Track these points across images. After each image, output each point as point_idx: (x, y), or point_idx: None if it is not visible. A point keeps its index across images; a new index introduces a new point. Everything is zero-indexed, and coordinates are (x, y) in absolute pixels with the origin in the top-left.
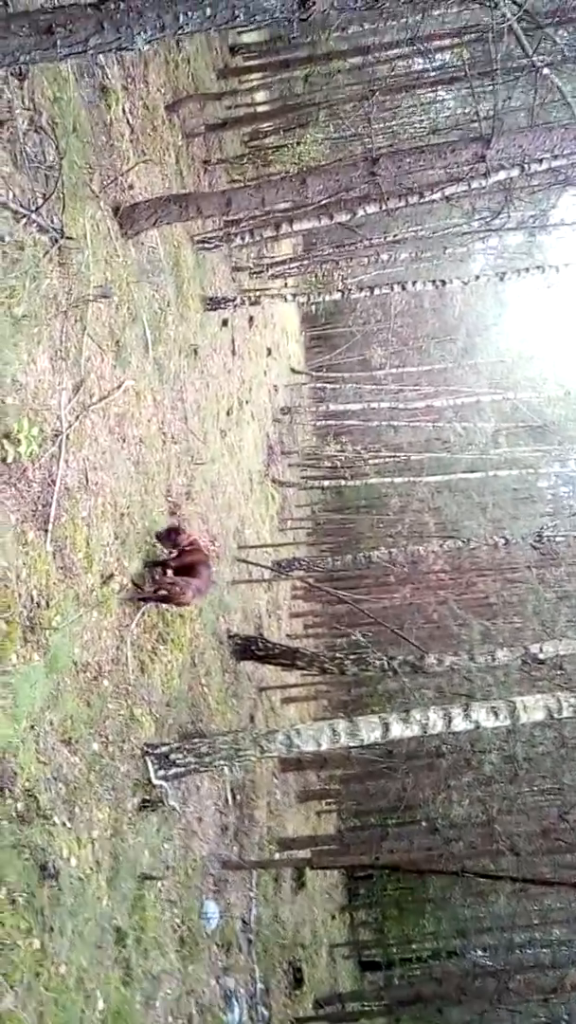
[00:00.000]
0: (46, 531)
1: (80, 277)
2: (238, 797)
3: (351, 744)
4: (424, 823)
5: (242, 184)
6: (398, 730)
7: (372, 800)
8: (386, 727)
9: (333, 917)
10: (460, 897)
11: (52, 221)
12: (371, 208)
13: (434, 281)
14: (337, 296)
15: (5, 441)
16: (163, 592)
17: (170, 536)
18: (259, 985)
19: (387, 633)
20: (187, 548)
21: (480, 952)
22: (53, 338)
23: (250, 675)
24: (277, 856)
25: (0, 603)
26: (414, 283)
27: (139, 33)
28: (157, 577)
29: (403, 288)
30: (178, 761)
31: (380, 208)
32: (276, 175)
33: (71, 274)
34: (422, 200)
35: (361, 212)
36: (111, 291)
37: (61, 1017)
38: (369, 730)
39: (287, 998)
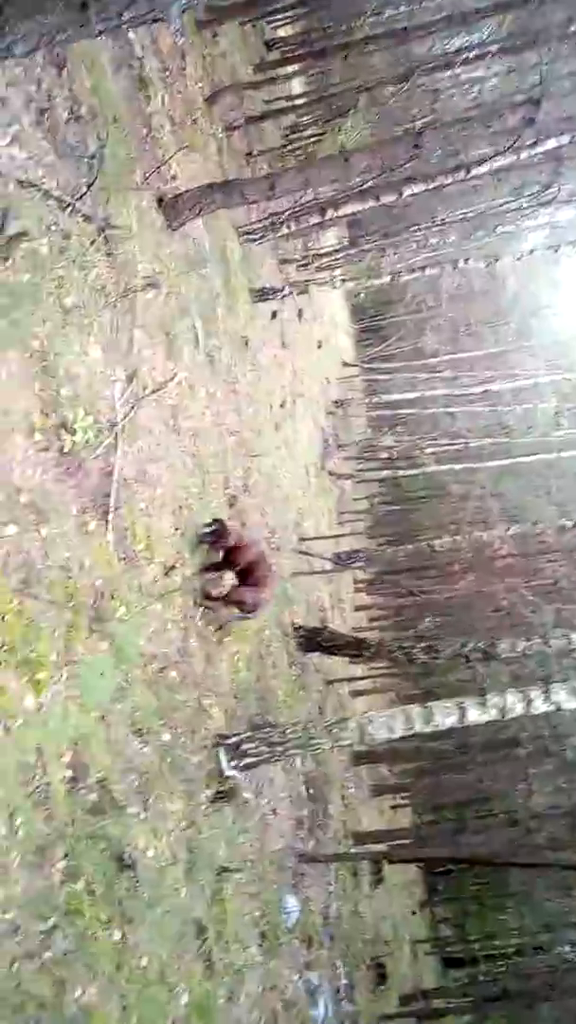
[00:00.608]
0: (106, 522)
1: (128, 268)
2: (312, 790)
3: (426, 730)
4: (503, 815)
5: (285, 169)
6: (475, 714)
7: (447, 793)
8: (462, 711)
9: (413, 913)
10: (544, 891)
11: (97, 210)
12: (417, 187)
13: (486, 257)
14: (387, 280)
15: (62, 431)
16: (233, 606)
17: (216, 539)
18: (343, 981)
19: (455, 623)
20: (239, 547)
21: (568, 947)
22: (104, 329)
23: (317, 667)
24: (353, 850)
25: (64, 593)
26: (466, 260)
27: (173, 2)
28: (226, 591)
29: (455, 267)
30: (250, 751)
31: (426, 186)
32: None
33: (119, 264)
34: (469, 176)
35: (408, 192)
36: (159, 282)
37: (146, 1010)
38: (444, 715)
39: (371, 994)
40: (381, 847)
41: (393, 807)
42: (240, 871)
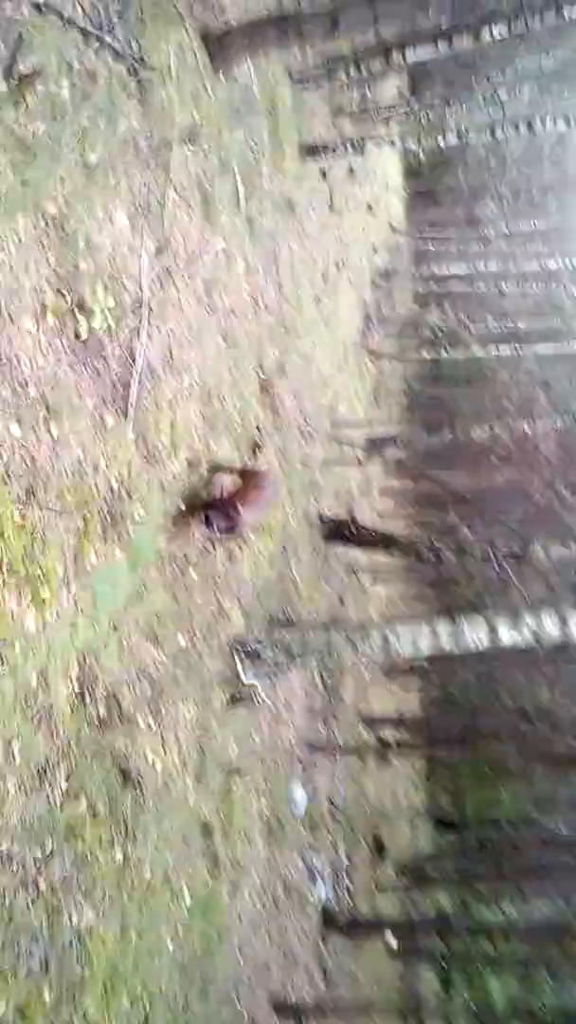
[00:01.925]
0: (127, 415)
1: (164, 117)
2: (327, 679)
3: (454, 649)
4: (511, 704)
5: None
6: (507, 636)
7: (460, 679)
8: (493, 632)
9: (416, 787)
10: (542, 775)
11: (130, 46)
12: (499, 30)
13: (566, 117)
14: (451, 141)
15: (79, 312)
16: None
17: (223, 511)
18: (343, 859)
19: (484, 515)
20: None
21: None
22: (133, 191)
23: (339, 556)
24: (364, 734)
25: (77, 499)
26: (542, 120)
27: None
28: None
29: (529, 128)
30: (268, 659)
31: (509, 29)
32: None
33: (153, 113)
34: (560, 14)
35: (487, 36)
36: (200, 134)
37: (147, 920)
38: (474, 634)
39: (369, 869)
40: (391, 732)
41: (405, 688)
42: (250, 769)
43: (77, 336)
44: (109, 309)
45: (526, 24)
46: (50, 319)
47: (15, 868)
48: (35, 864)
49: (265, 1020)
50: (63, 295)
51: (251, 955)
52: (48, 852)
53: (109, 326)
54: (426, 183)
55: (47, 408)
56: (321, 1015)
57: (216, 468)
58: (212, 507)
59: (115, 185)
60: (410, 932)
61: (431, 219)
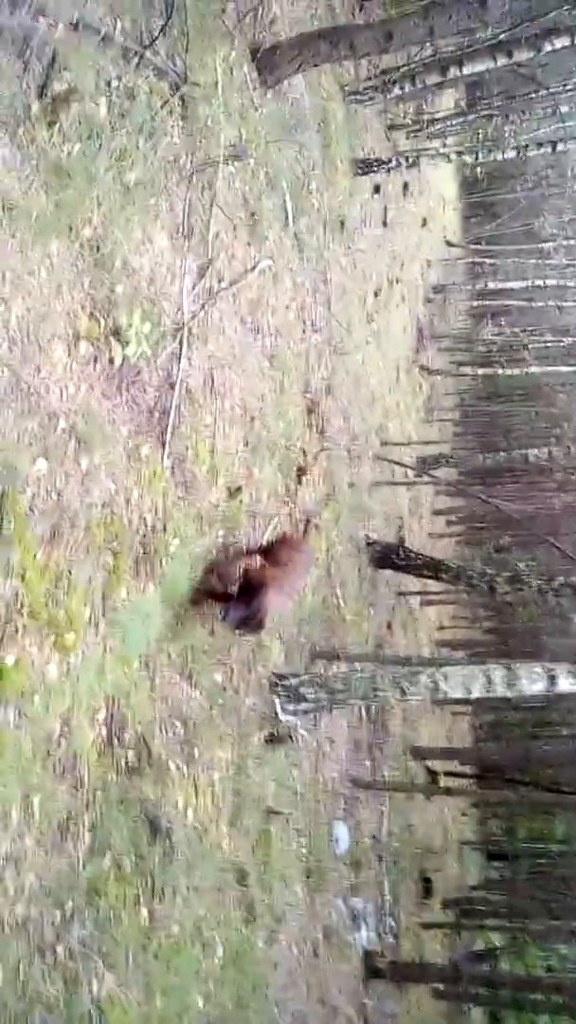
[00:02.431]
0: (163, 444)
1: (208, 134)
2: (373, 710)
3: (508, 695)
4: (566, 732)
5: (405, 14)
6: (566, 684)
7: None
8: (552, 679)
9: (464, 815)
10: None
11: (173, 62)
12: (561, 41)
13: None
14: (510, 155)
15: (114, 338)
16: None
17: (243, 604)
18: (387, 898)
19: (537, 541)
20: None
21: None
22: (175, 210)
23: (388, 581)
24: (411, 766)
25: (107, 533)
26: None
27: None
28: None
29: None
30: (308, 696)
31: (572, 41)
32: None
33: (197, 131)
34: None
35: (548, 47)
36: (246, 152)
37: (174, 979)
38: (530, 681)
39: (415, 907)
40: (440, 763)
41: (454, 713)
42: (289, 810)
43: (111, 362)
44: (146, 334)
45: None
46: (82, 346)
47: (31, 934)
48: (53, 928)
49: None
50: (97, 320)
51: (288, 1006)
52: (68, 914)
53: (144, 351)
54: (482, 196)
55: (77, 440)
56: None
57: (235, 553)
58: (230, 598)
59: (155, 205)
60: (457, 978)
61: (487, 233)
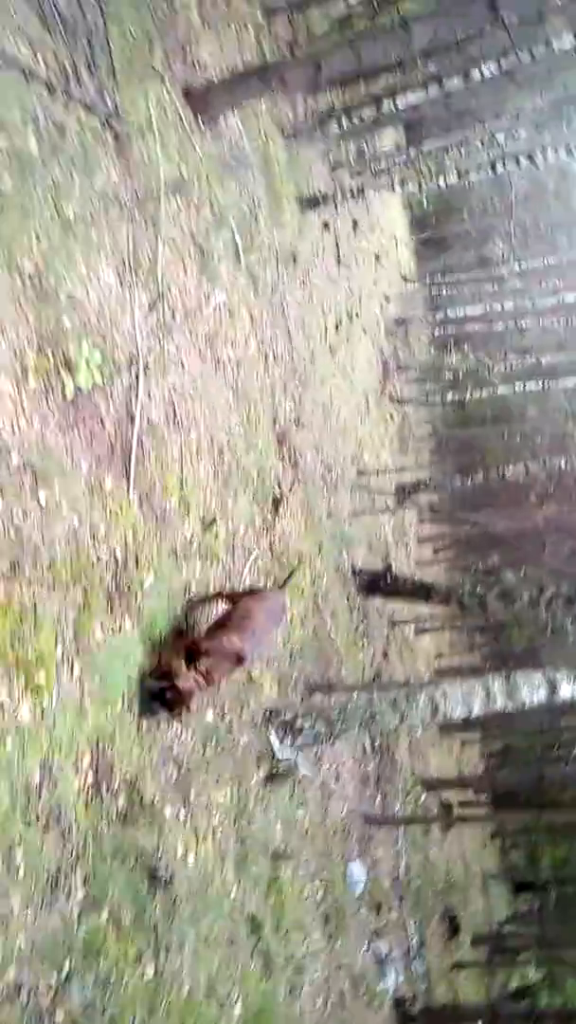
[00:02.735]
0: (127, 477)
1: (147, 170)
2: (378, 742)
3: (509, 707)
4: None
5: (333, 47)
6: (568, 691)
7: (518, 728)
8: (552, 687)
9: (484, 845)
10: None
11: (103, 99)
12: (490, 68)
13: (567, 146)
14: (452, 181)
15: (63, 371)
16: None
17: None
18: (414, 940)
19: (525, 557)
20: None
21: None
22: (118, 245)
23: (379, 610)
24: (423, 798)
25: (73, 570)
26: (543, 151)
27: None
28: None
29: (530, 160)
30: (305, 729)
31: (500, 66)
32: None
33: (135, 167)
34: (551, 47)
35: (477, 74)
36: (188, 188)
37: None
38: (531, 690)
39: (443, 944)
40: (451, 793)
41: (463, 742)
42: (298, 851)
43: (64, 396)
44: (97, 365)
45: (517, 57)
46: (31, 380)
47: (25, 1000)
48: (49, 992)
49: None
50: (45, 353)
51: None
52: (65, 976)
53: (96, 383)
54: (433, 231)
55: (34, 475)
56: None
57: (199, 602)
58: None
59: (98, 240)
60: (495, 1019)
61: (441, 265)
